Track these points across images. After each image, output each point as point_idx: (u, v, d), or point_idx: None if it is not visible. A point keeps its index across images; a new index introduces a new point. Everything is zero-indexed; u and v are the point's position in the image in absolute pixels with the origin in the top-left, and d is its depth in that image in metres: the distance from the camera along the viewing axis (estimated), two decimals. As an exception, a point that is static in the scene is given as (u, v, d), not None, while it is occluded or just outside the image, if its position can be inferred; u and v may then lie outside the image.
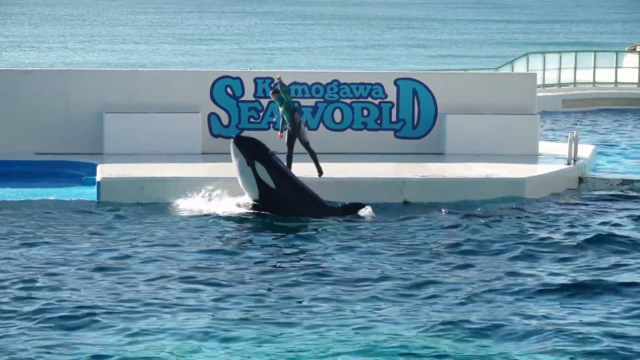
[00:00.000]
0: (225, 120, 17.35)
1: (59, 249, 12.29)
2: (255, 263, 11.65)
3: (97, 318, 9.18)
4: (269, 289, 10.30)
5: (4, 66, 40.08)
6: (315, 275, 10.93)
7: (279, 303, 9.81)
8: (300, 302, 9.98)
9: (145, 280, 10.73)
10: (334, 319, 9.04)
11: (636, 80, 30.98)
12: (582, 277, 11.08)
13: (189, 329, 8.77)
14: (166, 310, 9.35)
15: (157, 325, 8.89)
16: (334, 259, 11.78)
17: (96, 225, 13.67)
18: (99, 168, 15.50)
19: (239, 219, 14.44)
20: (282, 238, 13.32)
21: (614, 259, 12.06)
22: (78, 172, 16.45)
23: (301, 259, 11.86)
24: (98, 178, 15.24)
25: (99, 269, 11.42)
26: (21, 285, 10.48)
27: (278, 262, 11.70)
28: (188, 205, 14.86)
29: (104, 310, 9.30)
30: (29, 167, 16.92)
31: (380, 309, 9.69)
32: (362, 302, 9.86)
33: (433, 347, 8.34)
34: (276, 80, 15.97)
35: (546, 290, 10.42)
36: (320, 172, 15.52)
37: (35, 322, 8.89)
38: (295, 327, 8.84)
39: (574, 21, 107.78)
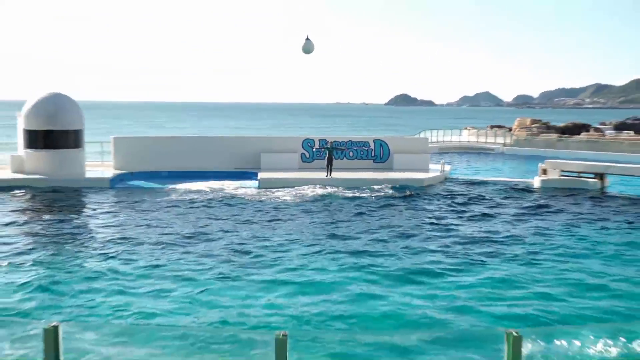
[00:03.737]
0: (307, 156, 28.39)
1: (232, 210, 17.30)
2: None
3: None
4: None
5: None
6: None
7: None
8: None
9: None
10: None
11: (473, 139, 44.55)
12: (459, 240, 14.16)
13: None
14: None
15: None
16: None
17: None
18: (259, 174, 24.91)
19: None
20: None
21: (474, 222, 15.79)
22: (251, 175, 25.40)
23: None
24: (258, 177, 24.43)
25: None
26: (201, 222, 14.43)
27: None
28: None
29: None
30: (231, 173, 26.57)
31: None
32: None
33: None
34: (329, 141, 26.48)
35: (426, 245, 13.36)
36: (327, 175, 23.21)
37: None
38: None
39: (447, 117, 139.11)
